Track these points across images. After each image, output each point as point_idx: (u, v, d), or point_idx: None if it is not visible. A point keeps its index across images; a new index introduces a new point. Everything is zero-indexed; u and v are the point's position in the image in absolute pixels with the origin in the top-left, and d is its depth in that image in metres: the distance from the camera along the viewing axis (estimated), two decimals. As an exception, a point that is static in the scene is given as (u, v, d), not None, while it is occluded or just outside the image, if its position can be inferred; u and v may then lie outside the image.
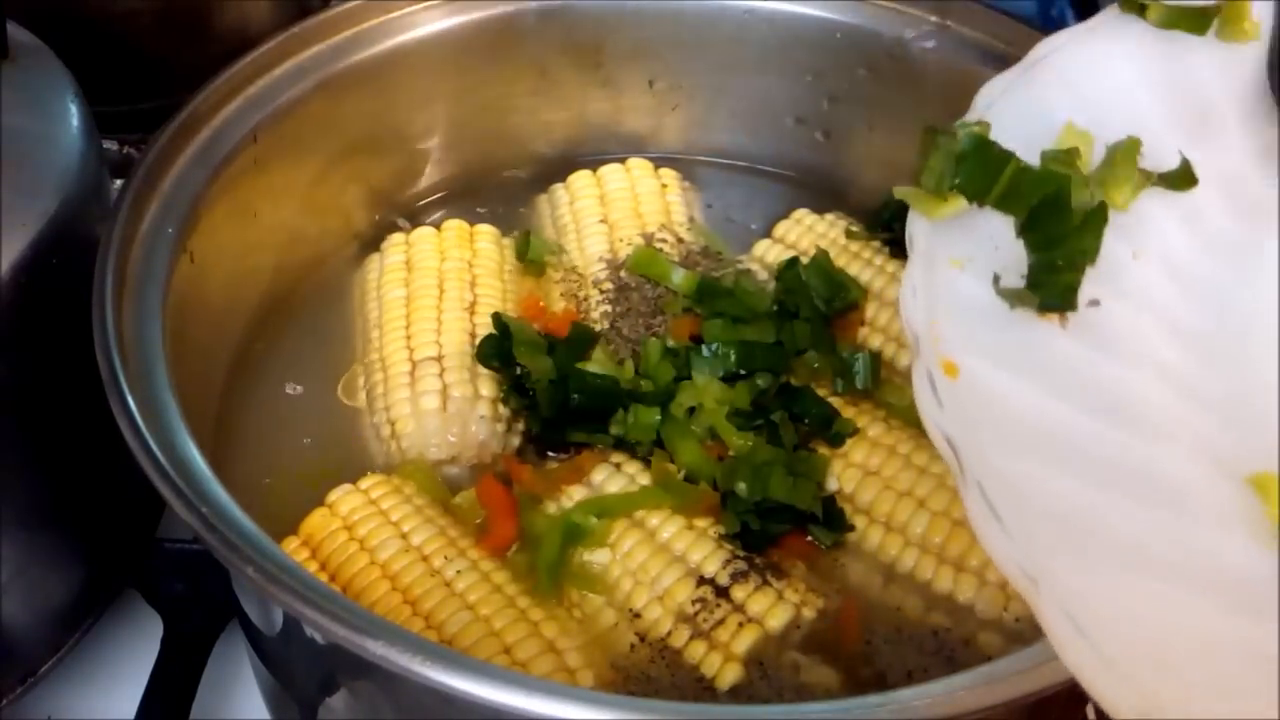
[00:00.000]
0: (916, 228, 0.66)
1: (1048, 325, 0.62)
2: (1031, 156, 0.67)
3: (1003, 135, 0.68)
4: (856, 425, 0.95)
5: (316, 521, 0.89)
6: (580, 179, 1.15)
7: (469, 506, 0.93)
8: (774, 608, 0.84)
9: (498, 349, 0.97)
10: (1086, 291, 0.63)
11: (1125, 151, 0.66)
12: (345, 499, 0.90)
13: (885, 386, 1.00)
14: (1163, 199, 0.67)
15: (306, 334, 1.06)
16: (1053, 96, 0.71)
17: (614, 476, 0.93)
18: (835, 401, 0.97)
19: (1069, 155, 0.66)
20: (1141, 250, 0.65)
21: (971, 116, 0.70)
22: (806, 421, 0.95)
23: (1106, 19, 0.74)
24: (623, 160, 1.16)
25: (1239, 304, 0.64)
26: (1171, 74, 0.71)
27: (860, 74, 1.14)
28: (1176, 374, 0.62)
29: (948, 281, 0.64)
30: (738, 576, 0.86)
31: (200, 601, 0.99)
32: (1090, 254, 0.63)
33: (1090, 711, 0.96)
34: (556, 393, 0.94)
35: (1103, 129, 0.67)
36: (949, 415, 0.58)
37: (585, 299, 1.07)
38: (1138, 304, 0.63)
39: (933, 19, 1.09)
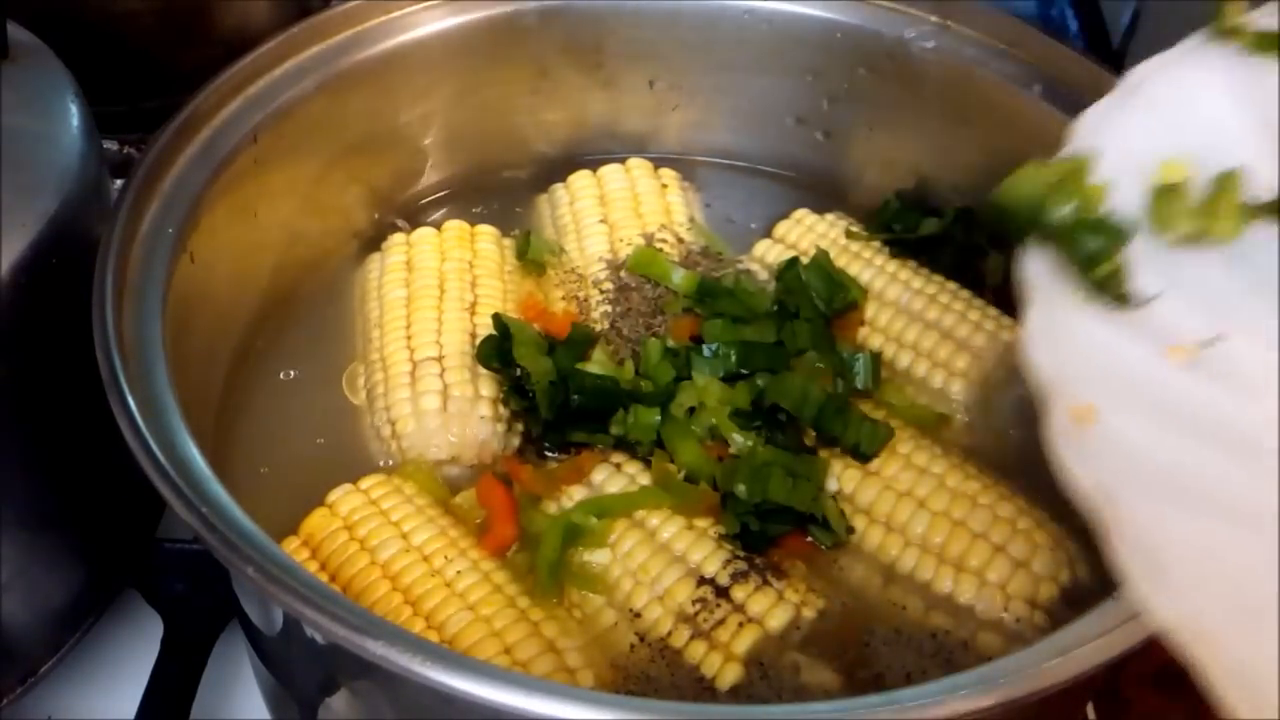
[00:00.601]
0: (1035, 270, 0.66)
1: (1170, 362, 0.62)
2: (1133, 187, 0.67)
3: (1103, 167, 0.68)
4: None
5: (316, 521, 0.89)
6: (580, 179, 1.15)
7: (469, 506, 0.93)
8: (774, 608, 0.84)
9: (498, 350, 0.97)
10: (1207, 327, 0.63)
11: (1227, 183, 0.67)
12: (345, 499, 0.90)
13: (885, 386, 1.00)
14: (1267, 230, 0.67)
15: (307, 334, 1.06)
16: (1149, 126, 0.71)
17: (614, 476, 0.93)
18: (835, 402, 0.97)
19: (1175, 194, 0.67)
20: (1253, 283, 0.65)
21: (1071, 149, 0.70)
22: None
23: (1196, 44, 0.74)
24: (623, 160, 1.16)
25: None
26: (1263, 100, 0.71)
27: (860, 74, 1.14)
28: None
29: (1071, 324, 0.64)
30: (738, 577, 0.86)
31: (200, 601, 0.99)
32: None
33: (1090, 712, 0.96)
34: (556, 394, 0.94)
35: (1199, 158, 0.68)
36: (1090, 464, 0.57)
37: (585, 299, 1.07)
38: (1253, 337, 0.63)
39: (933, 19, 1.09)
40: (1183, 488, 0.57)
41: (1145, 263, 0.66)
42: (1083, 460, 0.58)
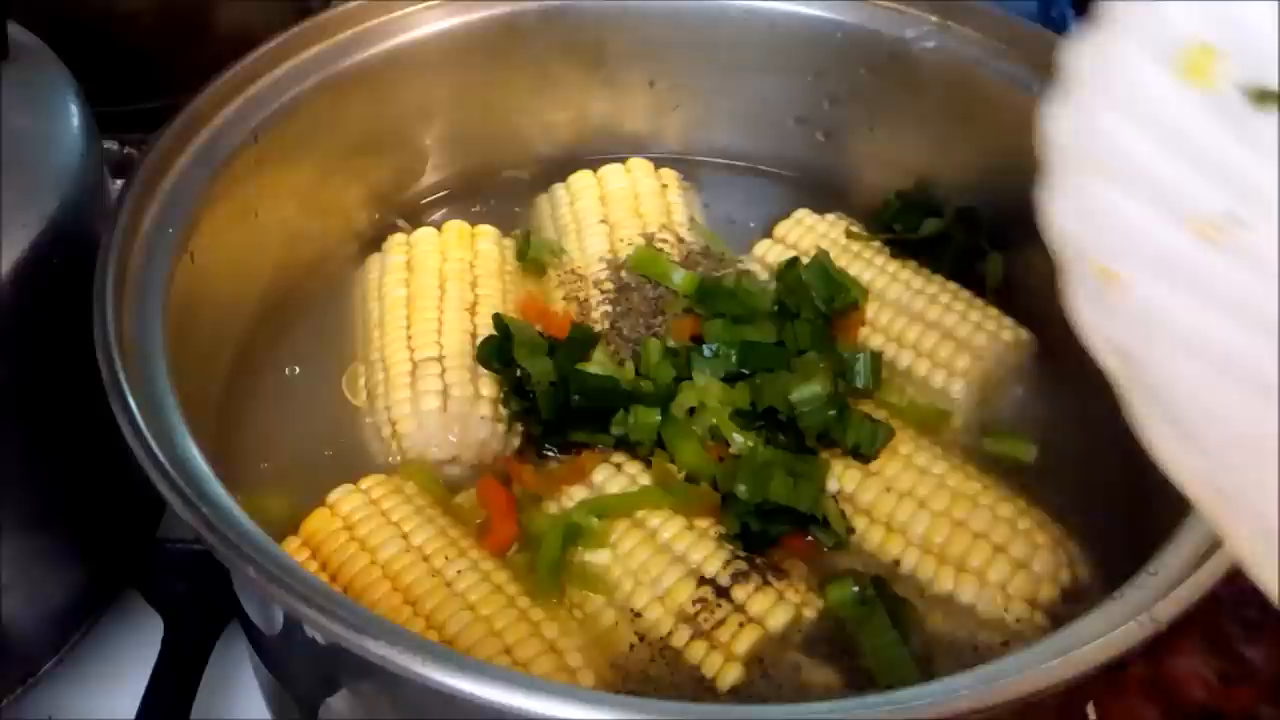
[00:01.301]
0: (1061, 133, 0.66)
1: (1189, 233, 0.62)
2: (1156, 63, 0.66)
3: (1131, 46, 0.68)
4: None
5: (317, 521, 0.89)
6: (581, 179, 1.15)
7: (469, 506, 0.93)
8: (775, 608, 0.84)
9: (498, 350, 0.97)
10: (1222, 202, 0.63)
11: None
12: (346, 499, 0.90)
13: (885, 386, 1.00)
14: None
15: (307, 334, 1.06)
16: (1180, 9, 0.70)
17: (615, 477, 0.93)
18: (836, 402, 0.97)
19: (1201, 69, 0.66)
20: (1266, 163, 0.65)
21: (1098, 23, 0.70)
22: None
23: None
24: (623, 160, 1.16)
25: None
26: None
27: (861, 74, 1.14)
28: None
29: (1095, 188, 0.64)
30: (738, 577, 0.86)
31: (200, 601, 0.99)
32: None
33: (1090, 711, 0.96)
34: (557, 394, 0.94)
35: (1230, 46, 0.67)
36: (1112, 322, 0.57)
37: (585, 299, 1.07)
38: (1268, 220, 0.63)
39: (933, 19, 1.09)
40: (1201, 352, 0.57)
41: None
42: (1106, 318, 0.58)
